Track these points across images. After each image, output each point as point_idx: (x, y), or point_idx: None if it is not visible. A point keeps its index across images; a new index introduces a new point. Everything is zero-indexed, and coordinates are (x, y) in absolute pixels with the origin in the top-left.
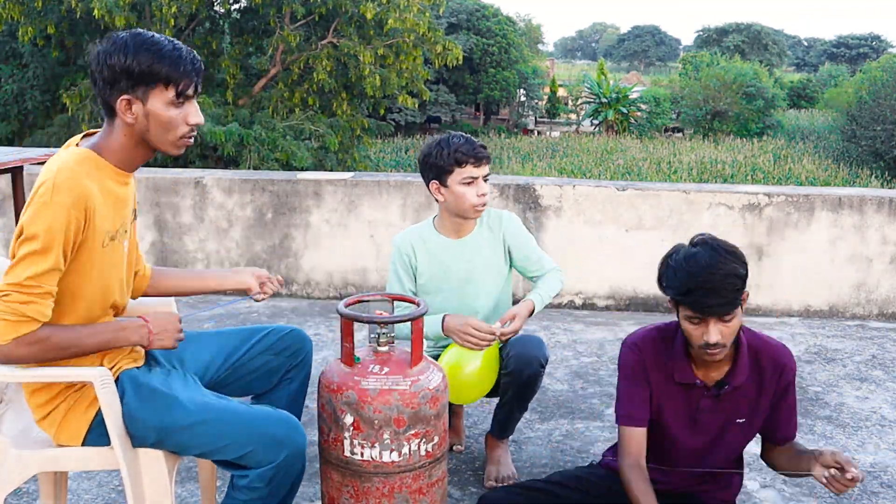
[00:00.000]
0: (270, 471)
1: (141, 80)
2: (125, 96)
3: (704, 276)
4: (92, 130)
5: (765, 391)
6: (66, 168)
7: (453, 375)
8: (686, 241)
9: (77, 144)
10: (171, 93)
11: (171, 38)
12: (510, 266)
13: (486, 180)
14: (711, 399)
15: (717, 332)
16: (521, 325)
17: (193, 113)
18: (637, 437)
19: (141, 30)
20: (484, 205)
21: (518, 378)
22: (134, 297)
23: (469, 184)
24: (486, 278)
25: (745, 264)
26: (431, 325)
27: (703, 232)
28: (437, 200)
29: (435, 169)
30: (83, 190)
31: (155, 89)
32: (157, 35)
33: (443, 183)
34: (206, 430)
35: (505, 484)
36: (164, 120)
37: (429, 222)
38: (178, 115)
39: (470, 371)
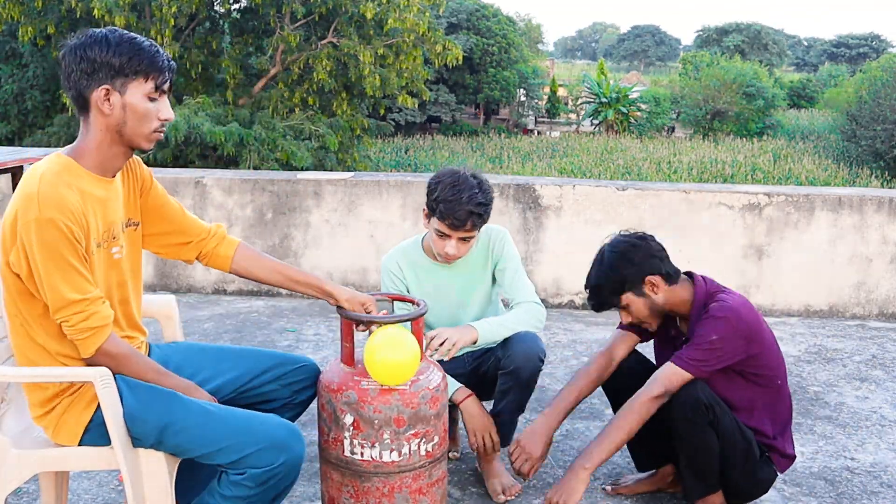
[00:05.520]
0: (266, 473)
1: (121, 72)
2: (104, 86)
3: (588, 281)
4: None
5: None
6: (45, 180)
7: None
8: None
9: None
10: (149, 85)
11: (146, 38)
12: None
13: (467, 241)
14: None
15: (624, 316)
16: (453, 348)
17: (165, 109)
18: (621, 336)
19: (116, 28)
20: (452, 259)
21: (519, 376)
22: (221, 269)
23: (440, 237)
24: (476, 298)
25: (612, 271)
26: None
27: (628, 230)
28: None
29: (427, 201)
30: (64, 199)
31: (134, 81)
32: (132, 32)
33: (429, 217)
34: (207, 431)
35: (512, 496)
36: (140, 112)
37: (417, 241)
38: (153, 108)
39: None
